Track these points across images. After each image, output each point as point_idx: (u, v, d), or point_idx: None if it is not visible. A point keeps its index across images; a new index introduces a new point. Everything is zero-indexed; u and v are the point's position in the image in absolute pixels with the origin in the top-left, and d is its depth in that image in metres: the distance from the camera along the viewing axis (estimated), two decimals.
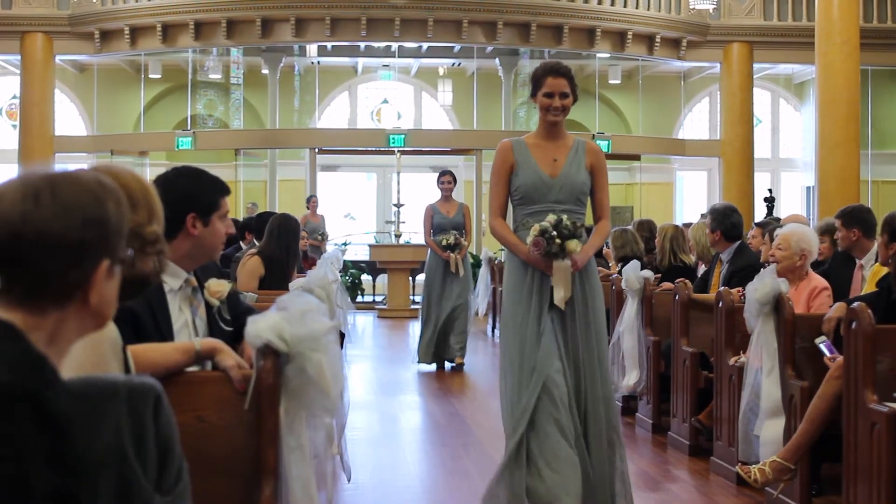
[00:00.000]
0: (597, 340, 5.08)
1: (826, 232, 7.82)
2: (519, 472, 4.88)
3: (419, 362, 11.64)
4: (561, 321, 5.03)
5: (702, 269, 8.80)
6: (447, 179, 11.56)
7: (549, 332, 4.99)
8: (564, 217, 5.02)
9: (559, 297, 5.00)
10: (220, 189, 3.61)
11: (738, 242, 7.92)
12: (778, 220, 10.11)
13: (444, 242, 11.34)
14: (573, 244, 4.95)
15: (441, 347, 11.57)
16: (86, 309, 1.74)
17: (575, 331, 5.04)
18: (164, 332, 3.32)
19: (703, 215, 12.19)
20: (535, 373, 4.94)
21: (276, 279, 7.24)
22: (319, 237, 17.57)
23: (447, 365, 11.67)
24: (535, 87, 5.26)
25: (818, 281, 6.50)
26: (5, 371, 1.62)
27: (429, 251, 11.68)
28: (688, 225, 10.44)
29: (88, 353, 2.34)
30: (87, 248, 1.71)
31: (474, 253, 19.90)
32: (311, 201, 18.67)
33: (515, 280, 5.14)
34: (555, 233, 4.95)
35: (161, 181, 3.53)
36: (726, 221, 7.86)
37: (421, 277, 12.11)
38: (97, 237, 1.72)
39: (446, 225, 11.45)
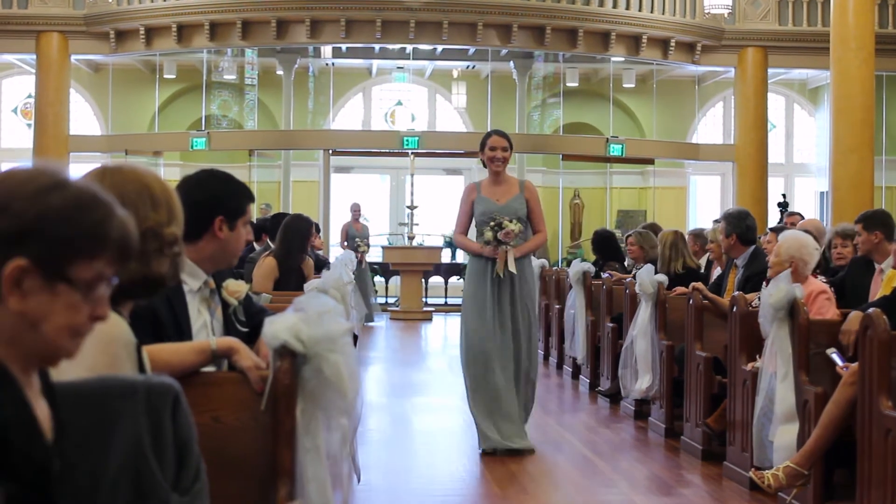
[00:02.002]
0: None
1: (847, 236, 7.80)
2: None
3: None
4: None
5: (716, 272, 8.80)
6: (503, 145, 7.39)
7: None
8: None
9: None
10: (247, 195, 3.61)
11: (753, 247, 7.90)
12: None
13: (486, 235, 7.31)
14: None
15: None
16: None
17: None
18: (183, 332, 3.31)
19: (715, 221, 12.14)
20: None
21: (289, 280, 7.26)
22: (360, 243, 17.42)
23: None
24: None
25: (815, 285, 6.46)
26: None
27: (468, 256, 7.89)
28: (700, 230, 10.42)
29: (100, 355, 2.30)
30: None
31: None
32: (354, 209, 18.53)
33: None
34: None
35: (193, 181, 3.52)
36: (741, 225, 7.86)
37: (435, 280, 11.81)
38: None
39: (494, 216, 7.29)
